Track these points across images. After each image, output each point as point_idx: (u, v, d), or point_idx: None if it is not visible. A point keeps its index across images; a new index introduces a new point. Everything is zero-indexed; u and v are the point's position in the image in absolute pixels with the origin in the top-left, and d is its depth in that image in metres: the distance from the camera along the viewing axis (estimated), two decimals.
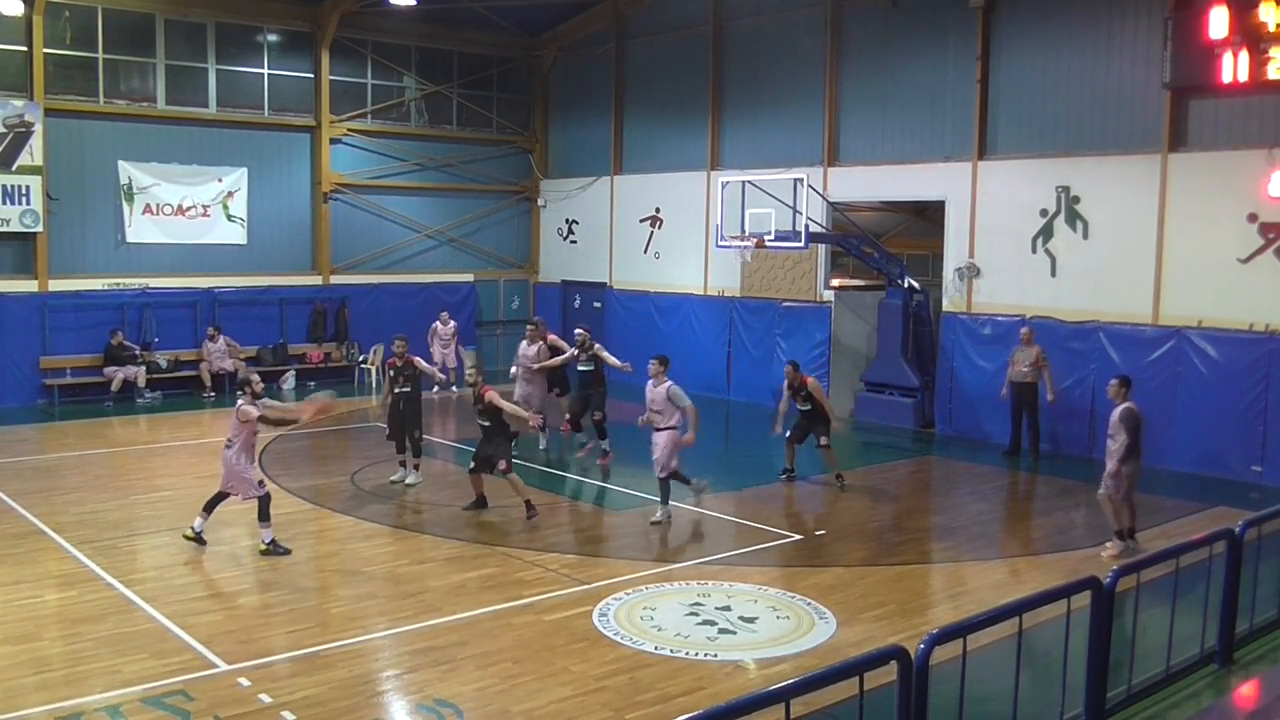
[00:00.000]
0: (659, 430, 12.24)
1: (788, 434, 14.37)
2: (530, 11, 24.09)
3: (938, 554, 11.57)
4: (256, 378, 11.54)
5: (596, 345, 15.59)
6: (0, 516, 12.21)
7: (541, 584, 10.08)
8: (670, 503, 12.30)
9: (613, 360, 15.39)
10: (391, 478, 13.97)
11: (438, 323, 21.72)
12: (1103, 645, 6.11)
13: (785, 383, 14.32)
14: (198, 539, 11.07)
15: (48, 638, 8.67)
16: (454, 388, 20.88)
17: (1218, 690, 6.90)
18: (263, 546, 10.87)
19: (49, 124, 19.49)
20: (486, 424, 12.33)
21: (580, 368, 15.48)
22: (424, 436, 14.39)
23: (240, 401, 11.06)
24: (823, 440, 14.06)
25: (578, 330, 15.83)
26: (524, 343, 15.91)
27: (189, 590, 9.87)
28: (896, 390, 18.74)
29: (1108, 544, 11.22)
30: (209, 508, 11.14)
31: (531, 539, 11.54)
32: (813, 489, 14.29)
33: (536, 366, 15.57)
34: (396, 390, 13.85)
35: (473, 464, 12.48)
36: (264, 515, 10.89)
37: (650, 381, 12.38)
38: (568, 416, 15.56)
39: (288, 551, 10.89)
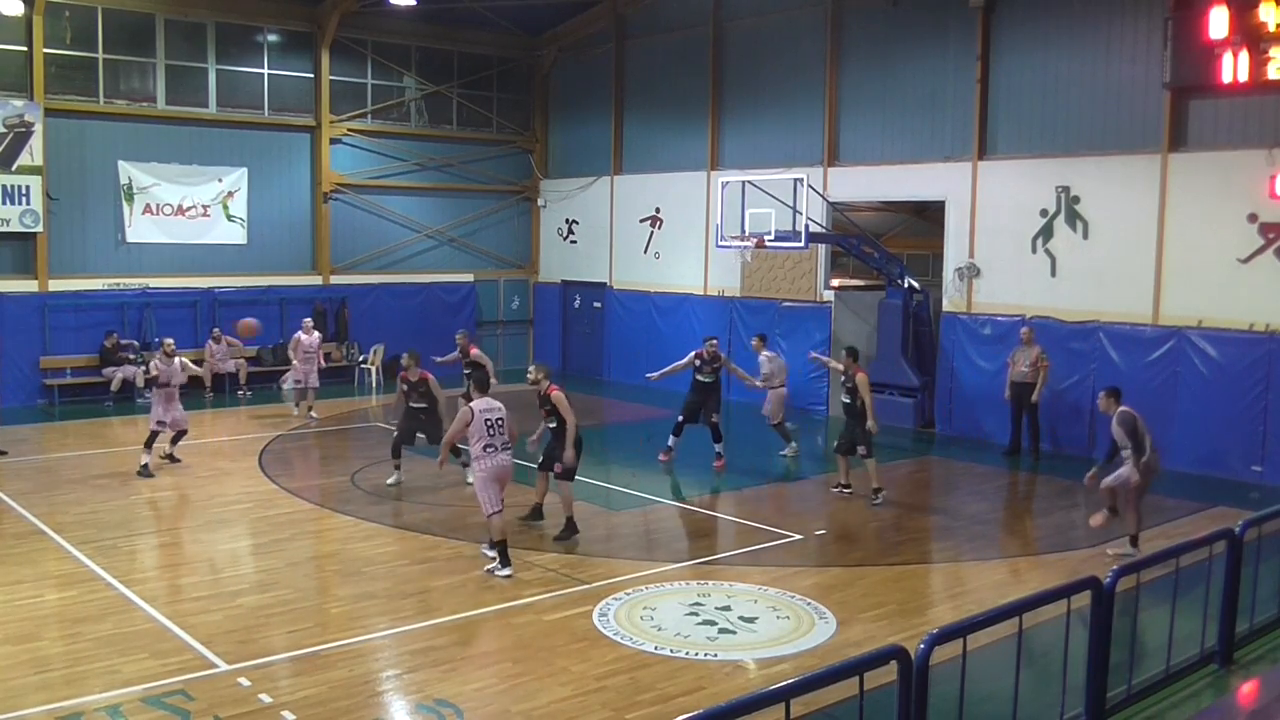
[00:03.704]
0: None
1: (835, 444, 13.46)
2: (530, 11, 24.08)
3: (938, 554, 11.58)
4: (169, 340, 14.90)
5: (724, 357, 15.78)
6: (0, 516, 12.22)
7: (541, 584, 10.08)
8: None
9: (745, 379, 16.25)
10: (388, 481, 13.86)
11: (300, 332, 18.90)
12: (1103, 645, 6.11)
13: (843, 368, 13.58)
14: (144, 472, 14.09)
15: (48, 638, 8.67)
16: (312, 415, 18.58)
17: (1218, 690, 6.91)
18: (138, 468, 14.08)
19: (49, 124, 19.49)
20: (554, 425, 11.76)
21: (700, 378, 15.13)
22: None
23: (155, 360, 14.55)
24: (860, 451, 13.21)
25: (710, 341, 15.54)
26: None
27: (189, 590, 9.87)
28: (896, 390, 18.73)
29: (1113, 543, 11.02)
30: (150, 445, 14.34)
31: (532, 539, 11.52)
32: (813, 489, 14.28)
33: (658, 375, 15.44)
34: (411, 404, 13.71)
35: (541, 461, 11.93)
36: (149, 445, 14.29)
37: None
38: (680, 418, 15.21)
39: (152, 475, 13.97)
